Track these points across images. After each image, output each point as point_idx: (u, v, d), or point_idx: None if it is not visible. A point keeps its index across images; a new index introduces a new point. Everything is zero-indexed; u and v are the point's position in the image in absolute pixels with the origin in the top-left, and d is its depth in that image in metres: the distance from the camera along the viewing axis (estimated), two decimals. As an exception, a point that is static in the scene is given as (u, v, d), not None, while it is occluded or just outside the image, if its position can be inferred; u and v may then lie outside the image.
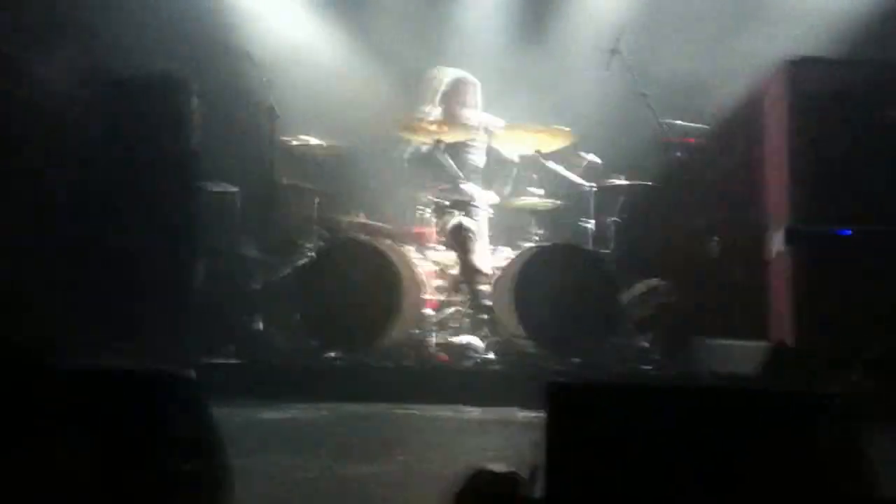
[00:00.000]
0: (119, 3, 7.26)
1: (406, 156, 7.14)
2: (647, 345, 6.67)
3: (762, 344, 6.04)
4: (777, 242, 6.31)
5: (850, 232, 6.07)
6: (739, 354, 6.12)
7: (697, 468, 2.68)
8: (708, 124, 7.15)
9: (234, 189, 7.45)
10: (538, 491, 2.71)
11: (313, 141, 7.16)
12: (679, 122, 7.04)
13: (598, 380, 5.80)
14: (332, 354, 6.50)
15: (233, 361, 6.57)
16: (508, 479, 2.95)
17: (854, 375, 5.63)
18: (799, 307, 6.11)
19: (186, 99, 7.13)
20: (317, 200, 7.18)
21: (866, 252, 6.01)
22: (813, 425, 2.75)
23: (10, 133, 6.77)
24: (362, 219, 7.18)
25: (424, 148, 7.01)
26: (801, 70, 6.27)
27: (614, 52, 6.86)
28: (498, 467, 3.06)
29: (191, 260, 7.08)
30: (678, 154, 6.95)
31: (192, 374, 3.39)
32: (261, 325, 6.93)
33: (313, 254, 6.88)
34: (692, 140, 7.01)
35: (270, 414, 5.59)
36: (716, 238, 7.05)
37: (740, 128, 7.06)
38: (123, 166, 6.96)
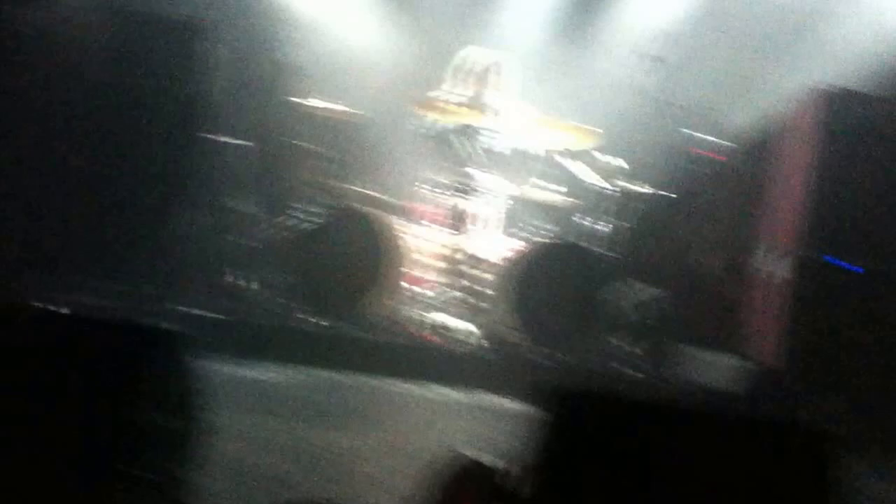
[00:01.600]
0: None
1: (421, 131, 7.00)
2: (639, 351, 6.59)
3: (751, 363, 6.00)
4: (782, 267, 6.25)
5: (862, 270, 6.03)
6: (727, 370, 6.07)
7: (675, 483, 2.68)
8: (735, 143, 7.07)
9: (241, 142, 7.32)
10: (526, 490, 2.62)
11: (328, 104, 7.01)
12: (708, 137, 6.96)
13: (605, 388, 5.80)
14: (319, 320, 6.38)
15: (217, 316, 6.45)
16: (494, 472, 2.86)
17: (834, 405, 5.61)
18: (792, 332, 6.05)
19: (206, 44, 7.00)
20: (321, 162, 7.05)
21: (875, 292, 5.96)
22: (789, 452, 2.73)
23: (21, 55, 6.64)
24: (363, 187, 7.04)
25: (441, 126, 6.85)
26: (830, 101, 6.23)
27: (657, 59, 6.77)
28: (484, 458, 2.98)
29: (187, 209, 6.95)
30: (701, 168, 6.87)
31: (177, 329, 3.29)
32: (241, 281, 6.81)
33: (301, 216, 6.76)
34: (718, 156, 6.93)
35: (249, 373, 5.52)
36: (721, 254, 7.01)
37: (765, 150, 6.98)
38: (133, 103, 6.82)
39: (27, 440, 2.95)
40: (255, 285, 6.77)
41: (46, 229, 6.49)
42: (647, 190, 6.92)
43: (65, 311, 5.57)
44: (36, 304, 5.26)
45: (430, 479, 2.97)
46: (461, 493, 2.99)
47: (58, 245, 6.46)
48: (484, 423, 5.21)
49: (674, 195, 7.01)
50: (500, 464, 2.85)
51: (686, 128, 6.99)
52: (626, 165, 6.87)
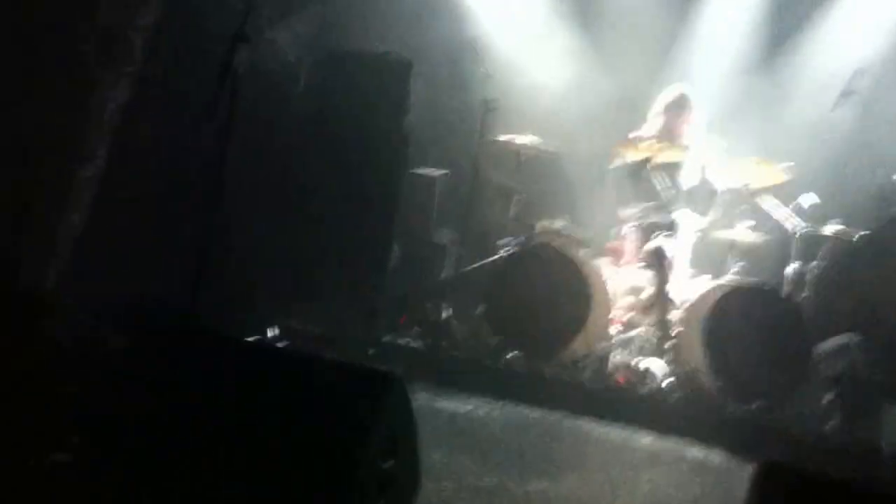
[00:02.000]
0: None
1: (616, 169, 7.07)
2: (830, 400, 6.41)
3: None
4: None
5: None
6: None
7: None
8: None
9: (439, 174, 7.54)
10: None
11: (526, 140, 7.16)
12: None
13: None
14: (512, 356, 6.52)
15: (414, 345, 6.67)
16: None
17: None
18: None
19: (407, 82, 7.27)
20: (519, 199, 7.20)
21: None
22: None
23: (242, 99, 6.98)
24: (561, 225, 7.16)
25: (636, 163, 6.92)
26: None
27: (851, 92, 6.59)
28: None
29: (389, 240, 7.24)
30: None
31: (401, 376, 3.49)
32: (445, 314, 6.97)
33: (507, 252, 6.90)
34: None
35: (447, 404, 5.69)
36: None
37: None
38: (338, 140, 7.15)
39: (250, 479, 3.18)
40: (458, 321, 6.95)
41: (251, 266, 6.82)
42: (835, 229, 6.71)
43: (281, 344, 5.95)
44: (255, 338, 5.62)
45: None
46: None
47: (266, 282, 6.79)
48: (672, 470, 5.22)
49: (870, 236, 6.79)
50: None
51: (882, 167, 6.79)
52: (820, 203, 6.73)
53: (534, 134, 7.21)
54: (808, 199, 6.74)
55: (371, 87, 7.25)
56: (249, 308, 6.38)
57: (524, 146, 7.18)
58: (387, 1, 7.51)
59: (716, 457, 5.42)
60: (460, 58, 7.61)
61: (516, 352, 6.53)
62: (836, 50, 7.49)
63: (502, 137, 7.19)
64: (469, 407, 5.75)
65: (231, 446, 3.21)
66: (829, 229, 6.72)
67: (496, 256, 7.00)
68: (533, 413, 5.81)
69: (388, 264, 7.18)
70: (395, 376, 3.49)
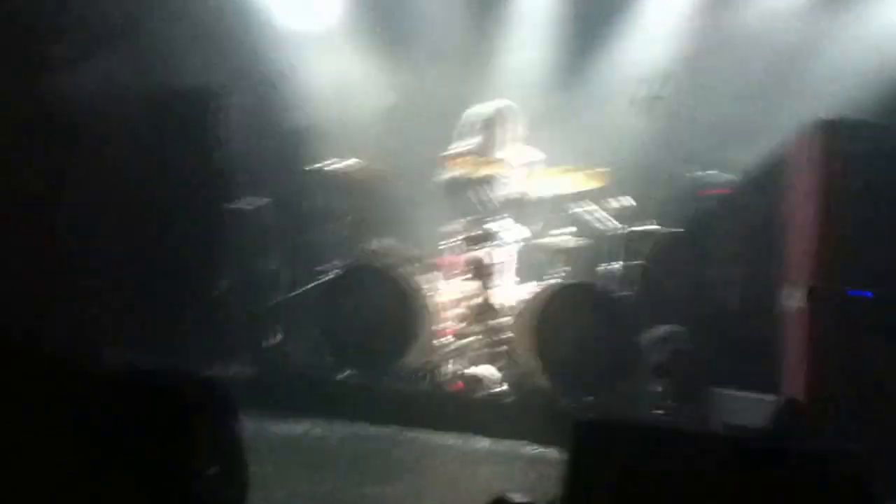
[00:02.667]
0: (160, 15, 7.30)
1: (439, 186, 7.18)
2: (660, 389, 6.66)
3: (773, 398, 6.03)
4: (797, 299, 6.30)
5: (871, 294, 6.06)
6: (750, 407, 6.11)
7: None
8: (741, 177, 7.19)
9: (263, 202, 7.48)
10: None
11: (348, 164, 7.21)
12: (713, 172, 7.08)
13: (625, 419, 5.82)
14: (348, 373, 6.54)
15: (248, 372, 6.63)
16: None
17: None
18: (813, 364, 6.10)
19: (222, 113, 7.19)
20: (346, 221, 7.26)
21: (887, 314, 6.00)
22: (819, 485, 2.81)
23: (43, 135, 6.78)
24: (390, 244, 7.21)
25: (457, 179, 7.05)
26: (835, 130, 6.28)
27: (657, 97, 6.90)
28: (518, 497, 3.10)
29: (214, 271, 7.13)
30: (709, 204, 6.99)
31: (223, 380, 3.45)
32: (277, 340, 6.97)
33: (336, 274, 6.92)
34: (725, 191, 7.05)
35: (282, 428, 5.65)
36: (734, 291, 7.06)
37: (772, 183, 7.07)
38: (154, 175, 6.99)
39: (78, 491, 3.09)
40: (289, 345, 6.98)
41: (90, 305, 6.65)
42: (654, 227, 7.02)
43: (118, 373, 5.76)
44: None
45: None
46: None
47: (95, 317, 6.61)
48: (519, 470, 5.31)
49: (684, 232, 7.10)
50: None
51: (691, 165, 7.10)
52: (634, 205, 6.99)
53: (357, 157, 7.25)
54: (623, 201, 7.00)
55: (183, 120, 7.15)
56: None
57: (349, 169, 7.23)
58: (194, 33, 7.39)
59: (552, 452, 5.51)
60: (276, 84, 7.57)
61: (352, 369, 6.55)
62: (640, 57, 7.77)
63: (326, 163, 7.22)
64: (305, 426, 5.72)
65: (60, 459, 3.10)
66: (646, 228, 7.00)
67: (323, 279, 6.99)
68: (370, 428, 5.83)
69: (213, 295, 7.05)
70: (217, 381, 3.44)
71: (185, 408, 3.22)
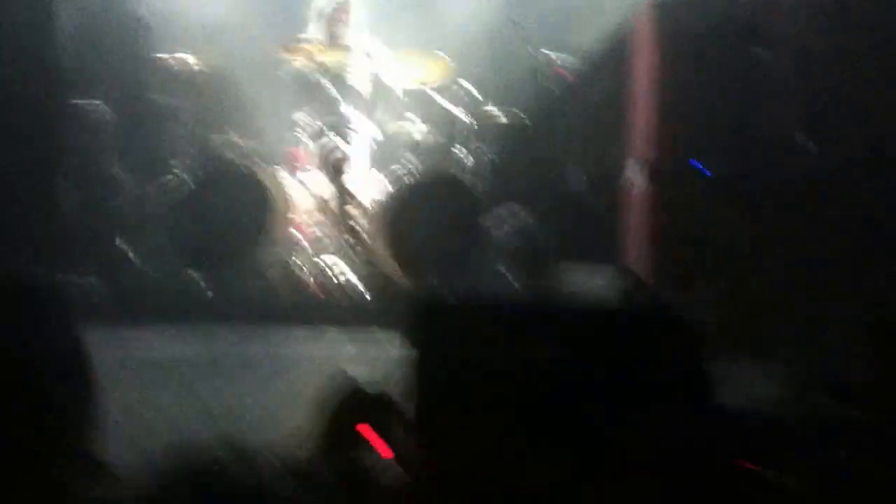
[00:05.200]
0: None
1: (284, 76, 7.06)
2: (505, 269, 6.82)
3: (613, 267, 6.25)
4: (637, 175, 6.49)
5: (709, 173, 6.28)
6: (590, 277, 6.33)
7: (559, 387, 2.81)
8: (580, 57, 7.29)
9: (99, 103, 7.23)
10: (410, 411, 2.81)
11: (188, 58, 7.00)
12: (552, 53, 7.16)
13: (468, 297, 5.95)
14: (195, 274, 6.48)
15: (93, 281, 6.48)
16: (382, 399, 3.05)
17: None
18: (651, 237, 6.33)
19: (54, 7, 6.87)
20: (187, 117, 7.05)
21: (723, 192, 6.23)
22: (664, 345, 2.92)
23: None
24: (234, 139, 7.08)
25: (304, 69, 6.94)
26: (668, 7, 6.40)
27: None
28: (370, 388, 3.16)
29: (56, 177, 6.89)
30: (549, 86, 7.09)
31: (69, 296, 3.37)
32: (125, 246, 6.82)
33: (181, 174, 6.78)
34: (563, 72, 7.17)
35: (130, 333, 5.57)
36: (576, 170, 7.25)
37: (610, 62, 7.19)
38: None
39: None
40: (141, 250, 6.80)
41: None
42: (497, 113, 7.12)
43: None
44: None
45: (322, 408, 3.12)
46: (351, 417, 3.16)
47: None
48: (374, 357, 5.36)
49: (524, 116, 7.20)
50: (390, 393, 3.02)
51: (533, 47, 7.18)
52: (479, 93, 7.05)
53: (199, 50, 7.04)
54: (469, 89, 7.03)
55: (12, 17, 6.80)
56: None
57: (185, 62, 7.01)
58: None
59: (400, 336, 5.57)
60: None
61: (205, 270, 6.49)
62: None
63: (161, 55, 7.00)
64: (154, 332, 5.65)
65: None
66: (491, 113, 7.09)
67: (168, 178, 6.84)
68: (222, 327, 5.80)
69: (55, 201, 6.82)
70: (56, 298, 3.37)
71: (21, 323, 3.14)
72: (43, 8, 6.75)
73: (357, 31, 7.16)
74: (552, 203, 7.17)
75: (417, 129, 6.98)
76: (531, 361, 2.84)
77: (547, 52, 7.21)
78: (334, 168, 6.79)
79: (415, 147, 6.99)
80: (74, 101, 6.98)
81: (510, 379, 2.81)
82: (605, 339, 2.92)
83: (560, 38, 7.37)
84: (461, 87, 7.03)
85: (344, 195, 6.78)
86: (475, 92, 7.05)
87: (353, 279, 6.55)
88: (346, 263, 6.63)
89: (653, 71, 6.50)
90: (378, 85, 7.07)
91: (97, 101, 7.15)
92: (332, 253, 6.69)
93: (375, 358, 5.30)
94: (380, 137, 7.02)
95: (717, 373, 2.85)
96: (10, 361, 3.06)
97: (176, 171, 6.83)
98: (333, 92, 6.89)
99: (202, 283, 6.45)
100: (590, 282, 6.46)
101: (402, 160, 6.95)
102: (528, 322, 3.00)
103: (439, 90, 7.03)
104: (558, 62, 7.24)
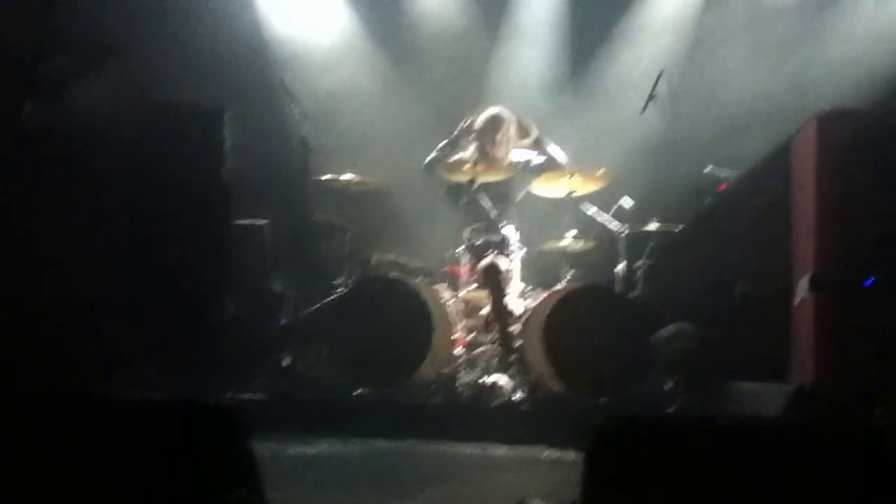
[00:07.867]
0: (157, 33, 7.28)
1: (442, 194, 7.16)
2: (671, 386, 6.64)
3: (784, 386, 6.02)
4: (802, 289, 6.30)
5: (871, 280, 6.05)
6: (762, 397, 6.11)
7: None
8: (742, 171, 7.19)
9: (264, 222, 7.45)
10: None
11: (351, 177, 7.17)
12: (712, 167, 7.10)
13: (639, 416, 5.80)
14: (362, 391, 6.50)
15: (260, 397, 6.56)
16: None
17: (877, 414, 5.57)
18: (821, 352, 6.10)
19: (219, 129, 7.14)
20: (349, 236, 7.21)
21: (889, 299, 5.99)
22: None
23: (42, 156, 6.73)
24: (395, 256, 7.19)
25: (459, 186, 7.02)
26: (832, 120, 6.28)
27: (651, 97, 6.93)
28: (539, 501, 3.08)
29: (219, 294, 7.06)
30: (710, 200, 7.01)
31: (230, 405, 3.43)
32: (288, 361, 6.92)
33: (344, 290, 6.89)
34: (724, 186, 7.08)
35: (299, 449, 5.58)
36: (743, 284, 7.05)
37: (772, 175, 7.07)
38: (154, 196, 6.92)
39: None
40: (304, 363, 6.92)
41: (97, 330, 6.53)
42: (656, 226, 7.07)
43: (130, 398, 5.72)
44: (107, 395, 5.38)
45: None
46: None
47: (107, 344, 6.55)
48: (529, 474, 5.27)
49: (687, 229, 7.12)
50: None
51: (690, 163, 7.14)
52: (635, 204, 7.03)
53: (356, 169, 7.21)
54: (626, 202, 7.01)
55: (184, 138, 7.10)
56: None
57: (349, 181, 7.19)
58: (192, 50, 7.38)
59: (569, 455, 5.48)
60: (274, 101, 7.56)
61: (365, 387, 6.52)
62: (636, 56, 7.79)
63: (325, 177, 7.19)
64: (322, 447, 5.65)
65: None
66: (650, 227, 7.04)
67: (332, 296, 6.96)
68: (387, 444, 5.76)
69: (223, 319, 6.99)
70: (230, 406, 3.42)
71: (200, 436, 3.20)
72: (214, 131, 7.03)
73: (511, 147, 7.23)
74: (714, 318, 6.99)
75: (574, 243, 6.96)
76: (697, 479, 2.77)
77: (711, 168, 7.14)
78: (493, 284, 6.78)
79: (572, 261, 6.96)
80: (237, 219, 7.21)
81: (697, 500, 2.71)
82: (788, 460, 2.81)
83: (720, 151, 7.30)
84: (623, 202, 7.00)
85: (504, 312, 6.74)
86: (632, 204, 7.02)
87: (516, 395, 6.47)
88: (510, 380, 6.55)
89: (818, 182, 6.36)
90: (532, 199, 7.09)
91: (258, 219, 7.38)
92: (496, 370, 6.63)
93: (541, 473, 5.22)
94: (537, 252, 7.00)
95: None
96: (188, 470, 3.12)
97: (340, 288, 6.93)
98: (493, 209, 6.94)
99: (367, 400, 6.47)
100: (757, 402, 6.23)
101: (560, 274, 6.92)
102: (695, 441, 2.92)
103: (600, 205, 7.00)
104: (719, 175, 7.14)
